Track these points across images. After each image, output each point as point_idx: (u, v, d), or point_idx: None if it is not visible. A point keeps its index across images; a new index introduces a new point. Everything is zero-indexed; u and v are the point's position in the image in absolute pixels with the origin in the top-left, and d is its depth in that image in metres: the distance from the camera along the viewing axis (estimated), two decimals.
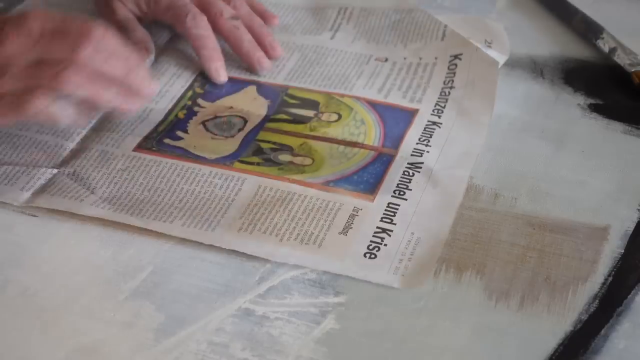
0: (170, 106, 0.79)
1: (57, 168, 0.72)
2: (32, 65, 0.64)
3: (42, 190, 0.70)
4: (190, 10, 0.82)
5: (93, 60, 0.65)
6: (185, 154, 0.73)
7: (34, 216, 0.68)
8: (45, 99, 0.64)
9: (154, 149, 0.74)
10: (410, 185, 0.70)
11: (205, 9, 0.83)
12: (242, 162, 0.72)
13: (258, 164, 0.72)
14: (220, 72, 0.81)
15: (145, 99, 0.70)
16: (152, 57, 0.83)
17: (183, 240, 0.66)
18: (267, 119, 0.77)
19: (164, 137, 0.75)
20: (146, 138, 0.75)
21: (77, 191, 0.70)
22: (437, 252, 0.65)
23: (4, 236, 0.67)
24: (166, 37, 0.86)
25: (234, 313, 0.61)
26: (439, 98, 0.78)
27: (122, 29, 0.84)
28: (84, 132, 0.76)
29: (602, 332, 0.60)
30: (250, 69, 0.82)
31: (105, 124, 0.76)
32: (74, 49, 0.64)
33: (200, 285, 0.63)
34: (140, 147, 0.74)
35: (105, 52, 0.66)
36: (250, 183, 0.70)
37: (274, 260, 0.64)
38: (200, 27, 0.81)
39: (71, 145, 0.75)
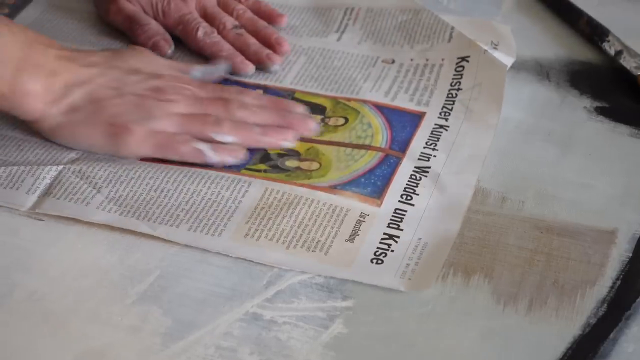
0: None
1: (62, 165, 0.72)
2: (188, 115, 0.72)
3: (48, 192, 0.69)
4: (200, 24, 0.84)
5: (244, 115, 0.73)
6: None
7: (40, 220, 0.68)
8: (196, 143, 0.71)
9: None
10: (418, 190, 0.70)
11: (208, 22, 0.85)
12: (249, 169, 0.72)
13: (265, 170, 0.72)
14: (247, 62, 0.82)
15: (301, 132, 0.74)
16: (172, 48, 0.83)
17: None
18: None
19: None
20: None
21: (83, 191, 0.69)
22: (444, 255, 0.65)
23: (11, 240, 0.67)
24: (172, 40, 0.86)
25: (242, 317, 0.61)
26: (445, 101, 0.78)
27: (133, 23, 0.84)
28: None
29: (611, 335, 0.59)
30: (262, 66, 0.82)
31: None
32: (227, 108, 0.73)
33: (208, 289, 0.63)
34: None
35: (255, 106, 0.74)
36: (256, 186, 0.70)
37: (280, 267, 0.64)
38: (212, 36, 0.84)
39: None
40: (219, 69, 0.80)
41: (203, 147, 0.71)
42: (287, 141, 0.73)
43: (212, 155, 0.71)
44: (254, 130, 0.73)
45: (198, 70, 0.78)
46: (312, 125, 0.74)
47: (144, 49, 0.78)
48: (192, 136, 0.71)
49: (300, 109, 0.76)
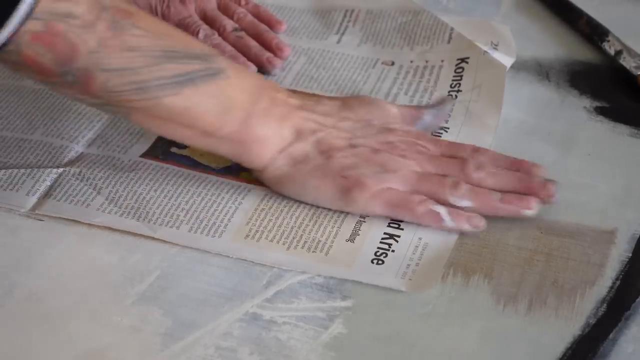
0: None
1: (62, 167, 0.72)
2: (423, 174, 0.68)
3: (48, 194, 0.70)
4: (201, 26, 0.84)
5: (481, 177, 0.68)
6: (192, 164, 0.73)
7: (40, 220, 0.68)
8: (433, 205, 0.66)
9: (160, 157, 0.74)
10: None
11: (208, 25, 0.86)
12: (248, 171, 0.72)
13: None
14: (249, 64, 0.82)
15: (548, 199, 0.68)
16: None
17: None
18: None
19: (171, 146, 0.75)
20: (153, 146, 0.75)
21: (83, 193, 0.70)
22: (445, 256, 0.65)
23: (11, 240, 0.67)
24: None
25: (242, 317, 0.61)
26: None
27: None
28: (89, 136, 0.76)
29: (611, 336, 0.59)
30: (263, 69, 0.83)
31: (111, 129, 0.76)
32: (463, 168, 0.68)
33: (208, 290, 0.63)
34: (147, 155, 0.74)
35: (492, 167, 0.69)
36: (257, 190, 0.70)
37: (281, 267, 0.64)
38: (213, 39, 0.84)
39: (77, 147, 0.75)
40: (446, 108, 0.75)
41: (441, 210, 0.66)
42: (529, 210, 0.66)
43: (449, 220, 0.66)
44: (492, 196, 0.67)
45: (429, 113, 0.73)
46: (553, 191, 0.67)
47: (374, 99, 0.74)
48: (427, 197, 0.67)
49: (540, 171, 0.69)
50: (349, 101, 0.72)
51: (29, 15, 0.58)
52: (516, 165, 0.69)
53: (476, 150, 0.70)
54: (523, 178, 0.68)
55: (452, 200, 0.66)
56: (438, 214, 0.66)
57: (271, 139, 0.68)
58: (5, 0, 0.57)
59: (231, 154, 0.68)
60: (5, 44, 0.58)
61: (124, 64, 0.62)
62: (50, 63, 0.60)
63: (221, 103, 0.66)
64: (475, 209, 0.66)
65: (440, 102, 0.75)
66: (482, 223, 0.66)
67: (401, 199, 0.67)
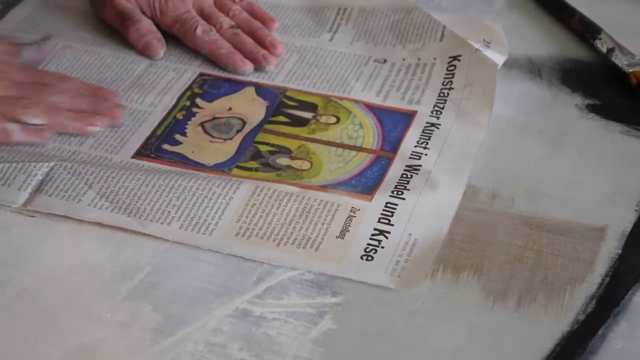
0: (169, 107, 0.79)
1: (54, 162, 0.72)
2: (1, 97, 0.74)
3: (40, 189, 0.70)
4: (199, 22, 0.85)
5: (59, 101, 0.76)
6: (184, 161, 0.73)
7: (32, 217, 0.68)
8: (5, 123, 0.73)
9: (152, 155, 0.74)
10: (409, 186, 0.70)
11: (205, 21, 0.86)
12: (240, 167, 0.72)
13: (256, 169, 0.72)
14: (245, 61, 0.83)
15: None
16: (164, 48, 0.84)
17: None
18: (265, 120, 0.77)
19: (162, 143, 0.75)
20: (145, 144, 0.75)
21: (75, 188, 0.70)
22: (434, 253, 0.65)
23: (2, 236, 0.67)
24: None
25: (232, 313, 0.61)
26: (437, 99, 0.79)
27: (125, 20, 0.84)
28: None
29: (600, 332, 0.60)
30: (257, 66, 0.83)
31: (105, 129, 0.76)
32: (41, 92, 0.76)
33: (198, 286, 0.63)
34: (139, 155, 0.74)
35: (71, 93, 0.77)
36: (247, 184, 0.70)
37: (271, 263, 0.64)
38: (211, 34, 0.84)
39: (68, 147, 0.75)
40: (49, 45, 0.83)
41: (11, 126, 0.73)
42: (93, 127, 0.75)
43: (18, 134, 0.73)
44: (64, 114, 0.75)
45: (29, 50, 0.81)
46: (119, 114, 0.77)
47: None
48: (4, 117, 0.73)
49: (116, 98, 0.78)
50: None
51: None
52: (93, 92, 0.78)
53: (61, 78, 0.79)
54: (95, 102, 0.77)
55: (26, 118, 0.74)
56: (7, 129, 0.73)
57: None
58: None
59: None
60: None
61: None
62: None
63: None
64: (48, 126, 0.74)
65: (42, 39, 0.83)
66: (48, 134, 0.74)
67: None
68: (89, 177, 0.71)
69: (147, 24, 0.85)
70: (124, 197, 0.69)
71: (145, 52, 0.84)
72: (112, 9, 0.86)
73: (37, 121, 0.74)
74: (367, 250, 0.65)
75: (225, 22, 0.86)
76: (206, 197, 0.69)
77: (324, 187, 0.70)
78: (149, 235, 0.66)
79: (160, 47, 0.84)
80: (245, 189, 0.70)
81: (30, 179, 0.70)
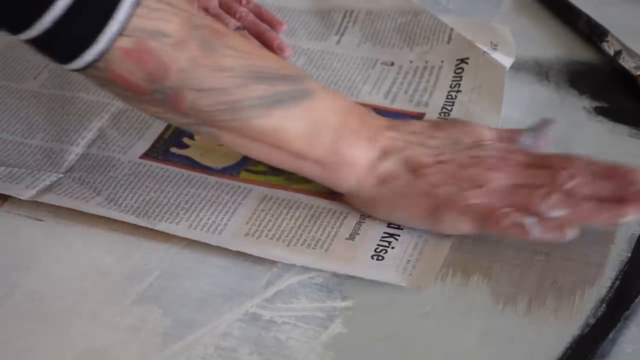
0: None
1: (62, 173, 0.72)
2: (512, 185, 0.65)
3: (48, 190, 0.70)
4: None
5: (573, 186, 0.64)
6: (192, 164, 0.73)
7: (40, 220, 0.68)
8: (519, 217, 0.62)
9: (160, 157, 0.74)
10: None
11: None
12: (248, 171, 0.72)
13: (264, 172, 0.72)
14: None
15: None
16: None
17: (189, 244, 0.66)
18: None
19: (170, 146, 0.75)
20: (153, 146, 0.75)
21: (83, 193, 0.70)
22: (444, 252, 0.65)
23: (11, 241, 0.67)
24: None
25: (241, 317, 0.61)
26: (445, 102, 0.78)
27: None
28: (89, 137, 0.76)
29: (610, 336, 0.59)
30: None
31: (111, 129, 0.76)
32: (555, 178, 0.64)
33: (207, 290, 0.63)
34: (146, 156, 0.74)
35: (585, 175, 0.64)
36: (256, 192, 0.70)
37: (281, 262, 0.64)
38: None
39: (76, 150, 0.75)
40: (547, 130, 0.70)
41: (526, 221, 0.62)
42: (626, 218, 0.62)
43: (537, 230, 0.62)
44: (586, 204, 0.63)
45: (528, 136, 0.69)
46: None
47: (468, 121, 0.71)
48: (518, 209, 0.63)
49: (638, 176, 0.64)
50: (439, 122, 0.71)
51: (120, 32, 0.58)
52: (611, 172, 0.65)
53: (568, 158, 0.66)
54: (621, 185, 0.64)
55: (544, 210, 0.63)
56: (523, 225, 0.62)
57: (360, 161, 0.66)
58: (97, 17, 0.57)
59: (320, 177, 0.67)
60: (95, 60, 0.59)
61: (215, 84, 0.62)
62: (141, 81, 0.60)
63: (311, 125, 0.65)
64: (570, 219, 0.63)
65: (541, 125, 0.70)
66: (570, 232, 0.62)
67: (487, 213, 0.63)
68: (97, 185, 0.71)
69: None
70: (132, 202, 0.69)
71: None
72: None
73: (557, 213, 0.63)
74: (378, 250, 0.65)
75: (231, 23, 0.85)
76: (215, 202, 0.69)
77: (331, 194, 0.70)
78: (158, 239, 0.66)
79: None
80: (254, 197, 0.70)
81: (39, 182, 0.71)
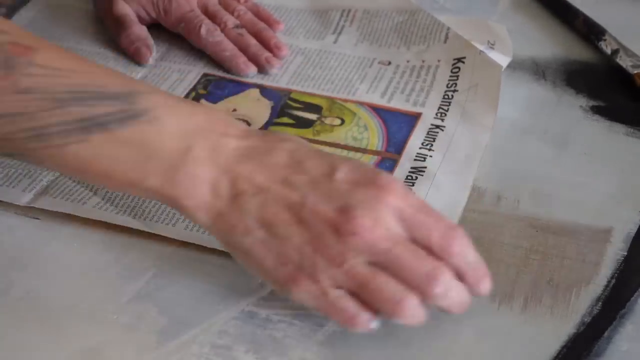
0: None
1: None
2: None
3: (45, 192, 0.70)
4: (203, 21, 0.84)
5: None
6: None
7: (36, 219, 0.68)
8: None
9: None
10: (414, 188, 0.70)
11: (210, 20, 0.86)
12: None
13: None
14: (249, 64, 0.82)
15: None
16: (153, 56, 0.84)
17: (185, 243, 0.66)
18: (270, 122, 0.77)
19: None
20: None
21: (80, 193, 0.70)
22: None
23: (7, 239, 0.67)
24: (167, 40, 0.87)
25: (237, 315, 0.61)
26: (442, 101, 0.78)
27: (119, 25, 0.84)
28: None
29: (605, 334, 0.59)
30: (260, 69, 0.83)
31: None
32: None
33: (203, 288, 0.63)
34: None
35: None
36: None
37: None
38: (215, 35, 0.84)
39: None
40: None
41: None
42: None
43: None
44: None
45: None
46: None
47: (340, 159, 0.59)
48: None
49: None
50: (308, 153, 0.59)
51: None
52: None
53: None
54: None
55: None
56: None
57: (202, 198, 0.57)
58: None
59: (166, 205, 0.60)
60: None
61: (15, 108, 0.55)
62: None
63: (140, 152, 0.57)
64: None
65: None
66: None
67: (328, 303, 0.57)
68: (94, 184, 0.71)
69: (137, 30, 0.85)
70: (129, 201, 0.69)
71: (134, 58, 0.84)
72: (110, 15, 0.86)
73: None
74: None
75: (230, 21, 0.86)
76: None
77: None
78: (153, 237, 0.66)
79: (148, 54, 0.83)
80: None
81: (35, 184, 0.70)
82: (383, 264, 0.56)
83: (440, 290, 0.56)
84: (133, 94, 0.58)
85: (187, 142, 0.57)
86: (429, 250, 0.56)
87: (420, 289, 0.56)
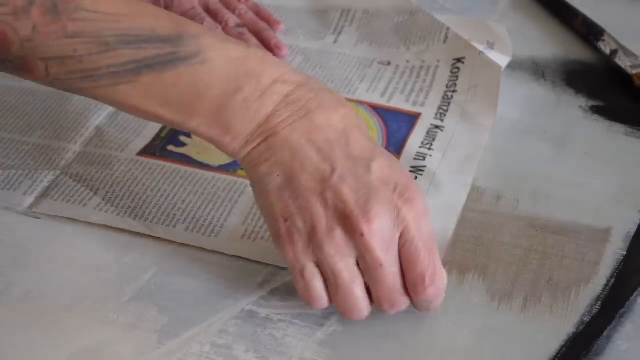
0: None
1: (60, 170, 0.72)
2: None
3: (45, 194, 0.70)
4: (204, 19, 0.85)
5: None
6: (189, 161, 0.73)
7: (37, 218, 0.69)
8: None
9: (157, 154, 0.74)
10: None
11: (212, 18, 0.86)
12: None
13: None
14: None
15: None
16: None
17: (186, 243, 0.66)
18: None
19: (167, 144, 0.75)
20: (150, 144, 0.75)
21: (80, 194, 0.70)
22: (441, 254, 0.64)
23: (8, 238, 0.67)
24: None
25: (237, 315, 0.61)
26: (441, 102, 0.79)
27: None
28: (87, 135, 0.76)
29: (605, 333, 0.60)
30: None
31: (109, 127, 0.77)
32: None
33: (204, 287, 0.63)
34: (144, 153, 0.74)
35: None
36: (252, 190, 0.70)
37: (278, 265, 0.64)
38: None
39: (74, 148, 0.75)
40: None
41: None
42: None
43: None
44: None
45: None
46: None
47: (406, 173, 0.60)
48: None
49: None
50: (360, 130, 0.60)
51: None
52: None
53: None
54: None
55: None
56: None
57: (243, 134, 0.59)
58: None
59: (211, 142, 0.61)
60: None
61: (64, 52, 0.57)
62: None
63: (190, 92, 0.58)
64: None
65: None
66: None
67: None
68: (94, 183, 0.71)
69: None
70: (129, 202, 0.69)
71: None
72: None
73: None
74: None
75: (231, 20, 0.86)
76: (211, 201, 0.69)
77: None
78: (154, 237, 0.67)
79: None
80: (250, 195, 0.69)
81: (36, 185, 0.71)
82: (364, 269, 0.58)
83: (391, 313, 0.60)
84: (182, 36, 0.58)
85: (237, 84, 0.58)
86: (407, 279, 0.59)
87: (380, 307, 0.59)
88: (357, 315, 0.59)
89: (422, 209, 0.58)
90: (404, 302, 0.59)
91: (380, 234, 0.57)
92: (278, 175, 0.58)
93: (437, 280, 0.58)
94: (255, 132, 0.59)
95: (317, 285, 0.58)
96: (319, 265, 0.58)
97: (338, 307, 0.59)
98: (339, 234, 0.57)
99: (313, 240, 0.57)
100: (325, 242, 0.57)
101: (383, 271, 0.58)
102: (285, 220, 0.58)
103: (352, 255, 0.57)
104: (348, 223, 0.57)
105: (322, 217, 0.57)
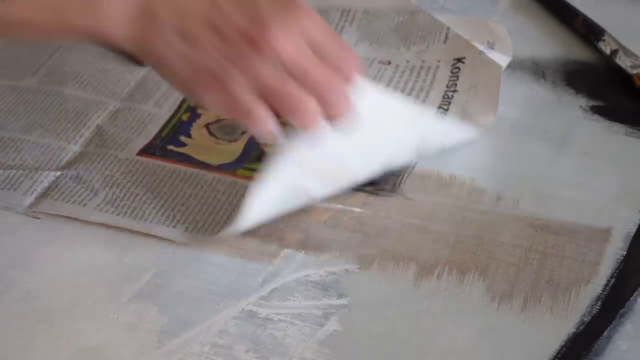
0: (174, 108, 0.79)
1: (60, 170, 0.72)
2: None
3: (45, 194, 0.70)
4: None
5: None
6: (189, 160, 0.73)
7: (37, 218, 0.69)
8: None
9: (157, 154, 0.74)
10: None
11: None
12: (246, 169, 0.72)
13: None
14: None
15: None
16: None
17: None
18: None
19: (167, 144, 0.75)
20: (150, 144, 0.75)
21: (80, 194, 0.70)
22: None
23: (8, 239, 0.67)
24: None
25: (238, 315, 0.61)
26: (441, 102, 0.79)
27: None
28: (87, 135, 0.76)
29: (605, 333, 0.60)
30: None
31: (108, 126, 0.77)
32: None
33: (204, 287, 0.63)
34: (144, 152, 0.74)
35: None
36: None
37: (277, 260, 0.64)
38: None
39: (74, 148, 0.75)
40: None
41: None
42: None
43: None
44: None
45: None
46: None
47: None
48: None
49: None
50: None
51: None
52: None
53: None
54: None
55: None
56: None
57: (121, 15, 0.60)
58: None
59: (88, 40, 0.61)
60: None
61: None
62: None
63: None
64: None
65: None
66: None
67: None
68: (94, 184, 0.71)
69: None
70: (129, 202, 0.69)
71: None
72: None
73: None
74: None
75: None
76: (212, 204, 0.69)
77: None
78: (154, 236, 0.67)
79: None
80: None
81: (37, 185, 0.71)
82: (291, 75, 0.60)
83: (334, 99, 0.61)
84: None
85: None
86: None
87: (321, 96, 0.60)
88: (315, 118, 0.60)
89: (314, 15, 0.63)
90: (339, 83, 0.61)
91: (283, 38, 0.59)
92: (174, 37, 0.59)
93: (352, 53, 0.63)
94: (133, 12, 0.59)
95: (260, 107, 0.59)
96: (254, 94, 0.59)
97: (292, 114, 0.60)
98: (248, 54, 0.58)
99: (230, 73, 0.58)
100: (240, 67, 0.58)
101: (306, 64, 0.60)
102: (197, 71, 0.59)
103: (273, 67, 0.59)
104: (251, 41, 0.59)
105: (224, 49, 0.59)
